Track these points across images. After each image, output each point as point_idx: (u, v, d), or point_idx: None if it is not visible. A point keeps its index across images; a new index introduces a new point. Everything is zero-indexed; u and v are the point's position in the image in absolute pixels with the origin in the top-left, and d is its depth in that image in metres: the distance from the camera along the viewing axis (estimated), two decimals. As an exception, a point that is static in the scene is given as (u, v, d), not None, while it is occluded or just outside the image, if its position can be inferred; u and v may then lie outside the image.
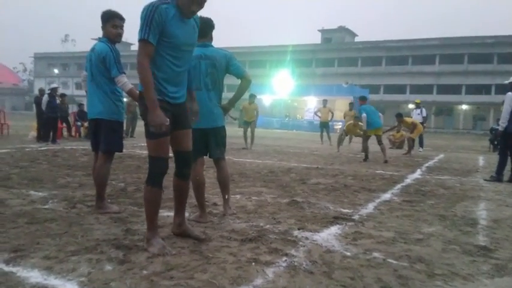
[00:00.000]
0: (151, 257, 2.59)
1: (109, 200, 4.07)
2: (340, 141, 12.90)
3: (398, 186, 6.13)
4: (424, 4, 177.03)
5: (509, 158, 7.18)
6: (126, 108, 15.00)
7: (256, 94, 13.13)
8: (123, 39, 4.20)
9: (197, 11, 2.76)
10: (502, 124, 7.11)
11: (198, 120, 3.22)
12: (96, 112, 3.81)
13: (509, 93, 7.11)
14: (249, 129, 12.58)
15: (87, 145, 4.27)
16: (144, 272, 2.37)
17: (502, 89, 7.42)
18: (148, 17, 2.54)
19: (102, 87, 3.77)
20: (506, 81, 7.47)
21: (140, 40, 2.57)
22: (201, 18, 3.79)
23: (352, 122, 12.87)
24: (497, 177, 7.09)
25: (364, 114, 9.82)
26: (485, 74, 50.26)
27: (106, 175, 3.85)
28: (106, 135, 3.80)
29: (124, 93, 3.86)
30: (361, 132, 12.32)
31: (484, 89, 50.54)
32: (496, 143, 14.65)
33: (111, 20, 3.82)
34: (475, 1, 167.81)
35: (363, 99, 10.50)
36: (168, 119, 2.67)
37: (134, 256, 2.61)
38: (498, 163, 7.22)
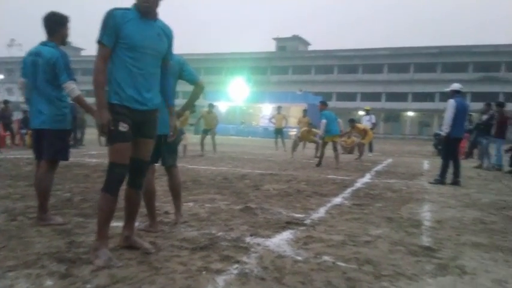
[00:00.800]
0: (95, 270, 2.48)
1: (53, 212, 3.87)
2: (294, 147, 13.08)
3: (349, 190, 6.29)
4: (374, 16, 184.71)
5: (451, 161, 7.56)
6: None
7: (213, 103, 13.51)
8: (74, 44, 4.12)
9: (151, 6, 2.74)
10: (445, 130, 7.49)
11: (173, 137, 3.24)
12: (39, 122, 3.62)
13: (451, 100, 7.52)
14: (208, 137, 12.82)
15: (31, 154, 4.05)
16: (88, 286, 2.26)
17: (445, 97, 7.91)
18: (104, 21, 2.67)
19: (46, 94, 3.59)
20: (447, 89, 7.90)
21: (96, 42, 2.69)
22: None
23: (306, 128, 13.10)
24: (441, 180, 7.45)
25: (324, 120, 9.85)
26: (429, 82, 52.94)
27: (49, 184, 3.66)
28: (50, 143, 3.61)
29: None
30: (315, 139, 12.58)
31: (429, 97, 53.23)
32: (439, 147, 15.41)
33: (67, 23, 3.76)
34: (421, 14, 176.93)
35: (324, 104, 10.42)
36: (127, 125, 2.70)
37: (77, 270, 2.49)
38: (441, 167, 7.58)
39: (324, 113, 10.03)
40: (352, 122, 13.24)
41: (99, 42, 2.66)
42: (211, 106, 13.13)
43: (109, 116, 2.65)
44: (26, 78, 3.72)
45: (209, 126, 12.89)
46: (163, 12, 2.83)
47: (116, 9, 2.70)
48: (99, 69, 2.66)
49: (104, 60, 2.67)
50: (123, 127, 2.68)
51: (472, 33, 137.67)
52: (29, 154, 9.78)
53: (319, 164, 9.94)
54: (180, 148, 12.27)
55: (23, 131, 14.20)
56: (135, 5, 2.75)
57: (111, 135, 2.69)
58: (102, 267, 2.51)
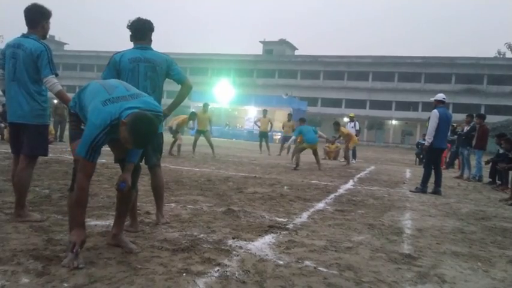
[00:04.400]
0: (72, 268, 2.42)
1: (30, 208, 3.77)
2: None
3: (332, 196, 6.32)
4: (360, 24, 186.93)
5: (433, 171, 7.66)
6: (53, 111, 14.21)
7: (208, 103, 13.38)
8: (57, 38, 4.05)
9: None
10: (428, 139, 7.59)
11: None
12: (18, 115, 3.52)
13: (435, 110, 7.63)
14: (202, 139, 12.53)
15: (9, 148, 3.95)
16: (65, 285, 2.20)
17: (428, 106, 8.03)
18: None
19: (26, 87, 3.50)
20: (432, 99, 8.02)
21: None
22: (140, 19, 3.69)
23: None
24: (422, 189, 7.53)
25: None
26: (413, 92, 53.76)
27: (27, 180, 3.56)
28: (30, 138, 3.53)
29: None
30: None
31: (412, 106, 54.04)
32: (421, 156, 15.63)
33: (50, 18, 3.68)
34: (405, 25, 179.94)
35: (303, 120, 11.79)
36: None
37: (54, 268, 2.42)
38: (423, 176, 7.67)
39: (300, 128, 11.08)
40: (337, 125, 13.28)
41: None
42: (206, 105, 12.82)
43: (85, 235, 2.59)
44: (3, 70, 3.62)
45: (203, 128, 12.53)
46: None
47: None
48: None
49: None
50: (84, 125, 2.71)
51: (456, 45, 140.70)
52: (6, 148, 9.55)
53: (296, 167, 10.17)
54: (175, 148, 12.09)
55: (2, 124, 13.85)
56: None
57: (73, 134, 2.84)
58: (63, 266, 2.44)
